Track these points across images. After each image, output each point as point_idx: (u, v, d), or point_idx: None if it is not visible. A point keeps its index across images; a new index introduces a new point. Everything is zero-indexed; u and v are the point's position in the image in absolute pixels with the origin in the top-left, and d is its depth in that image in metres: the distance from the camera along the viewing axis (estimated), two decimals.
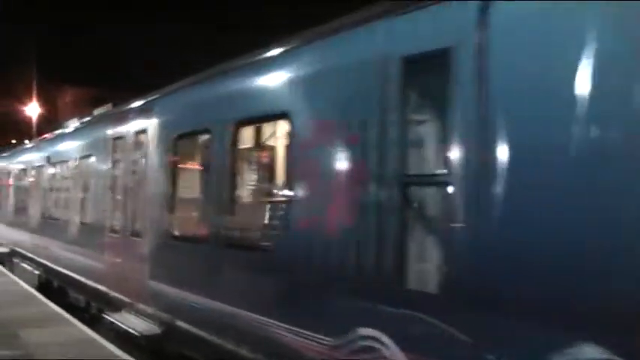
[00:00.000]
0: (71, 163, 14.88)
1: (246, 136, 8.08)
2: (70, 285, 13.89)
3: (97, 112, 15.21)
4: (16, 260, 19.99)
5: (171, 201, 9.06)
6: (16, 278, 18.26)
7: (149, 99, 10.51)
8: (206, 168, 8.35)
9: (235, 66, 7.90)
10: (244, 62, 7.68)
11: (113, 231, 11.21)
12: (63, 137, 16.93)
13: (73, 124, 16.76)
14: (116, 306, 10.68)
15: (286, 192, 6.37)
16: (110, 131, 11.76)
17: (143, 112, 10.34)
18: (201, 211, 8.44)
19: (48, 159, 17.23)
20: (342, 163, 5.60)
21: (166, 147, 9.19)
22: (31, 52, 51.59)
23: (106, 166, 11.97)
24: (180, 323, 8.38)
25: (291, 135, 6.38)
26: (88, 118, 15.59)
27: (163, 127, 9.46)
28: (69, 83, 78.69)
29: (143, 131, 10.13)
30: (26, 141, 42.90)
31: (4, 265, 20.98)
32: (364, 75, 5.39)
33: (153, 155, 9.66)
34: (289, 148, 6.67)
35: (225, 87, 7.96)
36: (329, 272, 5.57)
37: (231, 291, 7.07)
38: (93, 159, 12.90)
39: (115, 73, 66.46)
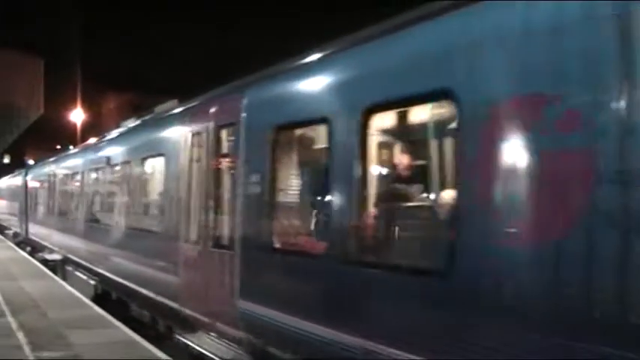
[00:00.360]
0: (135, 164, 13.42)
1: (386, 125, 6.52)
2: (133, 298, 12.61)
3: (160, 108, 13.86)
4: (69, 268, 18.90)
5: (269, 206, 7.51)
6: (62, 282, 17.90)
7: (238, 86, 9.01)
8: (322, 165, 6.79)
9: (375, 32, 6.14)
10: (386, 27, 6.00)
11: (190, 241, 9.76)
12: (125, 136, 15.49)
13: (133, 122, 15.49)
14: (190, 326, 9.38)
15: (465, 194, 4.72)
16: (187, 126, 10.25)
17: (229, 101, 8.87)
18: (317, 218, 6.97)
19: (107, 160, 15.74)
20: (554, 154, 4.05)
21: (263, 141, 7.67)
22: (75, 59, 51.10)
23: (180, 167, 10.38)
24: (277, 352, 7.02)
25: (467, 120, 4.73)
26: (151, 115, 14.20)
27: (258, 119, 8.00)
28: (112, 90, 79.02)
29: (230, 124, 8.70)
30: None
31: (55, 273, 19.68)
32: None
33: (244, 152, 8.20)
34: (460, 140, 4.96)
35: (359, 64, 6.30)
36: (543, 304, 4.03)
37: (364, 321, 5.54)
38: (162, 159, 11.42)
39: (157, 79, 66.10)
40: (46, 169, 25.49)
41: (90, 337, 10.55)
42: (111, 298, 14.33)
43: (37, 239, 25.94)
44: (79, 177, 19.30)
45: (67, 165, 21.61)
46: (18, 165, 73.34)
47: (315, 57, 7.11)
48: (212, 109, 9.29)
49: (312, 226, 7.17)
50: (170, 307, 10.12)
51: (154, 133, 12.70)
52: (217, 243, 8.84)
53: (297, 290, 6.74)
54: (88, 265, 16.42)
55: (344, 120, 6.04)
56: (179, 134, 10.50)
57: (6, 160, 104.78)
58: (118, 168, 14.92)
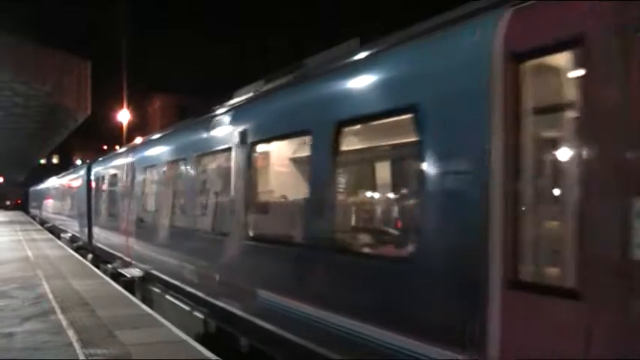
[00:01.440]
0: (245, 152, 9.43)
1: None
2: (283, 350, 8.09)
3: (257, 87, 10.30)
4: (155, 289, 14.55)
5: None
6: (107, 278, 17.91)
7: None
8: None
9: None
10: None
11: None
12: (218, 119, 11.09)
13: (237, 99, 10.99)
14: None
15: None
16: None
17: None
18: None
19: (194, 148, 12.10)
20: None
21: None
22: (122, 61, 51.89)
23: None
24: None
25: None
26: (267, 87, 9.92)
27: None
28: (157, 91, 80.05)
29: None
30: (117, 146, 43.06)
31: (133, 294, 15.54)
32: None
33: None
34: None
35: None
36: None
37: None
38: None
39: (202, 81, 66.71)
40: (119, 162, 20.30)
41: (139, 336, 10.54)
42: (238, 341, 9.59)
43: (105, 247, 21.78)
44: (150, 173, 15.82)
45: (153, 154, 15.97)
46: (66, 165, 75.00)
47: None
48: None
49: None
50: None
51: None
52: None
53: None
54: (189, 289, 11.81)
55: None
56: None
57: (54, 160, 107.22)
58: (211, 160, 11.47)
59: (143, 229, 16.11)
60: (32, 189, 75.68)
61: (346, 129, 6.99)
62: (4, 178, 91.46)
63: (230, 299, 9.70)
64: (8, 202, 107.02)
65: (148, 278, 15.20)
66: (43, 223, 52.20)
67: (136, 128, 63.50)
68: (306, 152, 7.99)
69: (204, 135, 11.50)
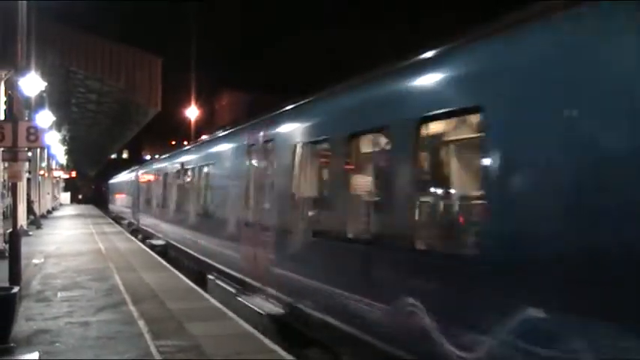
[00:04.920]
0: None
1: None
2: None
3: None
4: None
5: None
6: (176, 272, 18.12)
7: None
8: None
9: None
10: None
11: None
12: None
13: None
14: None
15: None
16: None
17: None
18: None
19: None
20: None
21: None
22: (191, 58, 52.84)
23: None
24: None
25: None
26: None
27: None
28: (225, 87, 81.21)
29: None
30: (185, 142, 43.87)
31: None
32: None
33: None
34: None
35: None
36: None
37: None
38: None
39: (267, 78, 67.29)
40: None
41: (208, 328, 10.72)
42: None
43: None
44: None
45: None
46: (135, 160, 76.89)
47: None
48: None
49: None
50: None
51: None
52: None
53: None
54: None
55: None
56: None
57: (125, 155, 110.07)
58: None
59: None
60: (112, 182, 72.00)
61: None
62: (76, 173, 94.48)
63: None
64: (80, 196, 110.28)
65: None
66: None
67: (204, 124, 64.78)
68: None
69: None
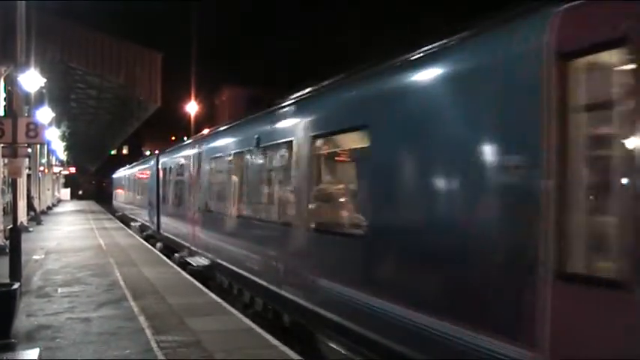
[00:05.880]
0: None
1: None
2: None
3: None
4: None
5: None
6: (179, 269, 18.08)
7: None
8: None
9: None
10: None
11: None
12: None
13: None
14: None
15: None
16: None
17: None
18: None
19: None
20: None
21: None
22: (191, 54, 52.85)
23: None
24: None
25: None
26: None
27: None
28: (225, 82, 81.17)
29: None
30: (185, 137, 43.80)
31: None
32: None
33: None
34: None
35: None
36: None
37: None
38: None
39: (268, 73, 67.24)
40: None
41: (208, 323, 10.78)
42: None
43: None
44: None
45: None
46: (135, 155, 76.83)
47: None
48: None
49: None
50: None
51: None
52: None
53: None
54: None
55: None
56: None
57: (124, 150, 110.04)
58: None
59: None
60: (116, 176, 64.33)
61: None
62: (76, 169, 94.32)
63: None
64: (81, 192, 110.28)
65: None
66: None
67: (204, 119, 64.70)
68: None
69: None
